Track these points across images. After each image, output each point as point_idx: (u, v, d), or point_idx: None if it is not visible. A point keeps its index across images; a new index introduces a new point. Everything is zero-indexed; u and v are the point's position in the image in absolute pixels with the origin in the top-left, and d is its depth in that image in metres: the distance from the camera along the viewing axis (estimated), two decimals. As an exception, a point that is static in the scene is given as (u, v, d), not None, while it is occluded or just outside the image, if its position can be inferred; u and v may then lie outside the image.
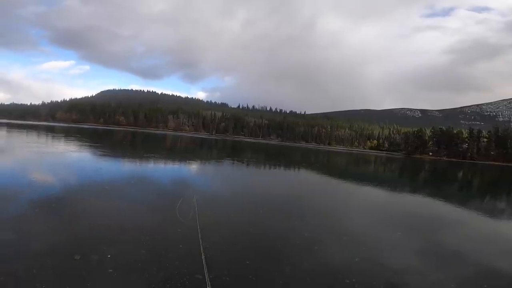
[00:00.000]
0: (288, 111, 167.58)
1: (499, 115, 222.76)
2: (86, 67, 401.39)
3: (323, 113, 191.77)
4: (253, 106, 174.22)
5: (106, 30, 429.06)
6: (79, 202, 6.63)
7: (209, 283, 2.57)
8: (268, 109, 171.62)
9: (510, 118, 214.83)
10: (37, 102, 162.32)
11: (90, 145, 23.13)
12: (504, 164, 64.43)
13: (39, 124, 69.93)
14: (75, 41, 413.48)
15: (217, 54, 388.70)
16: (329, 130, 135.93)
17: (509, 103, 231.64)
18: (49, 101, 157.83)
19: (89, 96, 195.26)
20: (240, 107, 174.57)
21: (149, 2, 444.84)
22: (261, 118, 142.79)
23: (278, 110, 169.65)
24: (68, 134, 36.88)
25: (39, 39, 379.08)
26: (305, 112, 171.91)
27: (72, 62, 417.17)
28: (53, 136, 31.14)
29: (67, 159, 14.20)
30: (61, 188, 7.71)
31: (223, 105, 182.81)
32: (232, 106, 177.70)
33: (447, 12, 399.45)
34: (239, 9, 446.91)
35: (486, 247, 6.33)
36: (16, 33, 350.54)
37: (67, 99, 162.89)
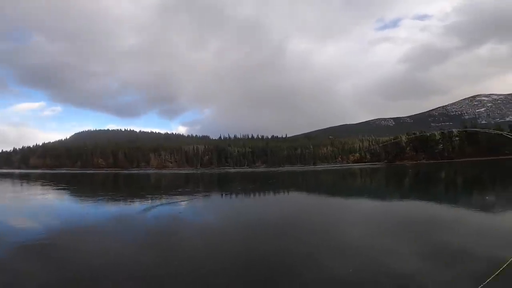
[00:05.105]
0: (270, 136, 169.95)
1: (464, 114, 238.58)
2: (58, 108, 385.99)
3: (304, 133, 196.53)
4: (234, 136, 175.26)
5: (77, 67, 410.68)
6: (67, 245, 6.37)
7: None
8: (250, 136, 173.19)
9: (475, 115, 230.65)
10: (8, 148, 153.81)
11: (68, 190, 22.00)
12: (479, 159, 67.73)
13: (12, 172, 66.21)
14: (44, 80, 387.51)
15: (194, 86, 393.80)
16: (312, 149, 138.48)
17: (471, 101, 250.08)
18: (21, 147, 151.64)
19: (63, 139, 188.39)
20: (222, 138, 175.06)
21: (120, 37, 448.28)
22: (244, 146, 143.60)
23: (260, 136, 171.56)
24: (43, 180, 35.03)
25: (6, 78, 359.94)
26: (286, 135, 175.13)
27: (43, 103, 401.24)
28: (27, 183, 29.40)
29: (48, 205, 13.38)
30: (49, 232, 7.44)
31: (205, 138, 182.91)
32: (214, 138, 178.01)
33: (395, 23, 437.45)
34: (210, 39, 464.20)
35: (481, 241, 6.45)
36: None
37: (40, 144, 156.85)
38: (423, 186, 22.27)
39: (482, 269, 4.68)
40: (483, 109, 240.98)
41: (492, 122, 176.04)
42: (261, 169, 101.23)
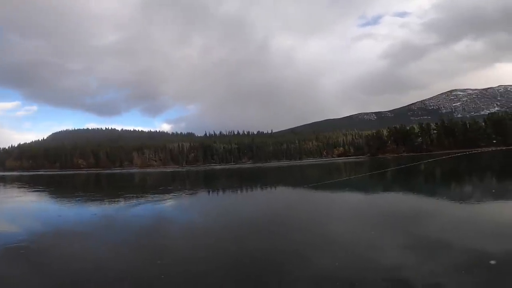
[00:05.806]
0: (255, 132, 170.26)
1: (441, 108, 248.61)
2: (33, 107, 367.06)
3: (290, 129, 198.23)
4: (220, 132, 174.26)
5: (53, 65, 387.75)
6: (46, 248, 6.20)
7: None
8: (235, 132, 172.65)
9: (452, 109, 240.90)
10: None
11: (47, 192, 21.10)
12: (455, 151, 70.91)
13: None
14: (19, 79, 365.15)
15: (178, 83, 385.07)
16: (297, 144, 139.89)
17: (447, 96, 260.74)
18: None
19: (40, 139, 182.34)
20: (207, 134, 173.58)
21: (101, 33, 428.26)
22: (230, 143, 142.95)
23: (246, 133, 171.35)
24: (20, 182, 33.46)
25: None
26: (272, 131, 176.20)
27: (17, 103, 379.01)
28: (4, 185, 27.99)
29: (26, 207, 12.78)
30: (27, 235, 7.18)
31: (190, 135, 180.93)
32: (199, 135, 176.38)
33: (376, 20, 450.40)
34: (195, 36, 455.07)
35: (463, 232, 6.65)
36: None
37: (15, 145, 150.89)
38: (404, 178, 23.02)
39: (467, 260, 4.81)
40: (459, 103, 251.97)
41: (468, 116, 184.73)
42: (248, 165, 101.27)
